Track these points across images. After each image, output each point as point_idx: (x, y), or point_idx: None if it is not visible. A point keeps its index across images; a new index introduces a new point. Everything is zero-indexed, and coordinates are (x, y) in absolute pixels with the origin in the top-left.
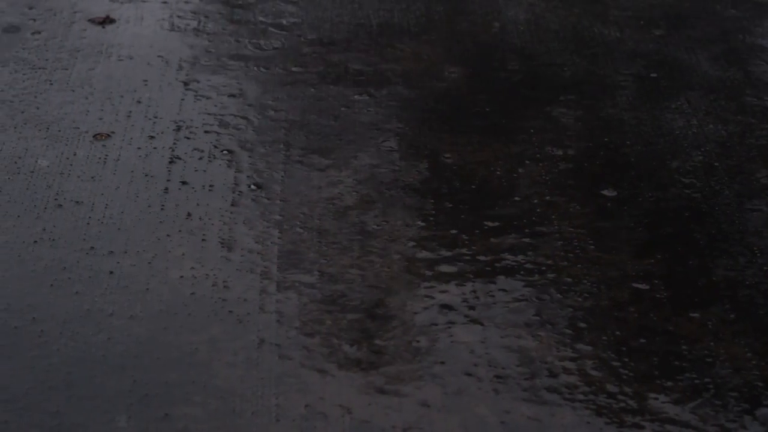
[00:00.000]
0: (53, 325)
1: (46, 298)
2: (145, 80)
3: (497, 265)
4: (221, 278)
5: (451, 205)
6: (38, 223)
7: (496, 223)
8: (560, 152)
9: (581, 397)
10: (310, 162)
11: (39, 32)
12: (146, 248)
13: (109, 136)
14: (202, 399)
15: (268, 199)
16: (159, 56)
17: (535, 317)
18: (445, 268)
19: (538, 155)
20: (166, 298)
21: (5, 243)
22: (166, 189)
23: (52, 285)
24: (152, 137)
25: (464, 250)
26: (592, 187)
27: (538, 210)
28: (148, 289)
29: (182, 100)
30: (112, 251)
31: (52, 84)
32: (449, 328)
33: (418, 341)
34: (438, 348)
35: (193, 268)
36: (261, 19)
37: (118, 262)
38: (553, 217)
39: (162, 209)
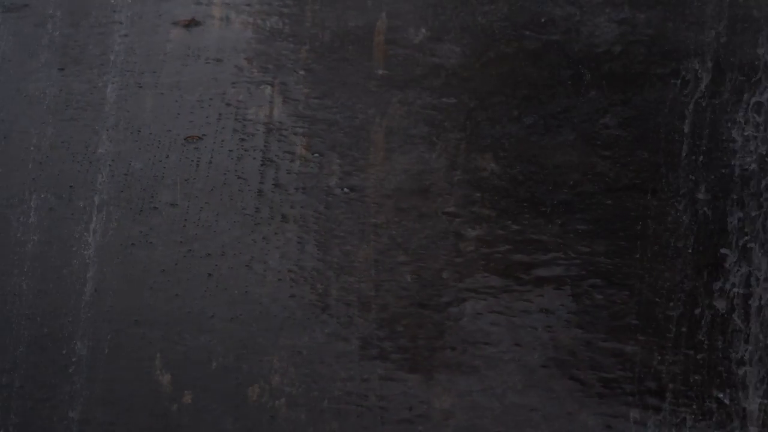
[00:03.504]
0: (155, 327)
1: (146, 301)
2: (234, 82)
3: (593, 268)
4: (319, 280)
5: (545, 209)
6: (135, 226)
7: (590, 227)
8: (652, 156)
9: (686, 401)
10: (402, 165)
11: (126, 35)
12: (243, 250)
13: (200, 138)
14: (306, 401)
15: (361, 201)
16: (246, 58)
17: (635, 321)
18: (542, 271)
19: (629, 158)
20: (265, 300)
21: (103, 245)
22: (260, 191)
23: (151, 288)
24: (243, 139)
25: (560, 254)
26: (686, 191)
27: (632, 213)
28: (247, 291)
29: (271, 102)
30: (209, 254)
31: (141, 87)
32: (550, 332)
33: (519, 345)
34: (540, 352)
35: (291, 270)
36: (345, 20)
37: (216, 265)
38: (648, 220)
39: (257, 211)
